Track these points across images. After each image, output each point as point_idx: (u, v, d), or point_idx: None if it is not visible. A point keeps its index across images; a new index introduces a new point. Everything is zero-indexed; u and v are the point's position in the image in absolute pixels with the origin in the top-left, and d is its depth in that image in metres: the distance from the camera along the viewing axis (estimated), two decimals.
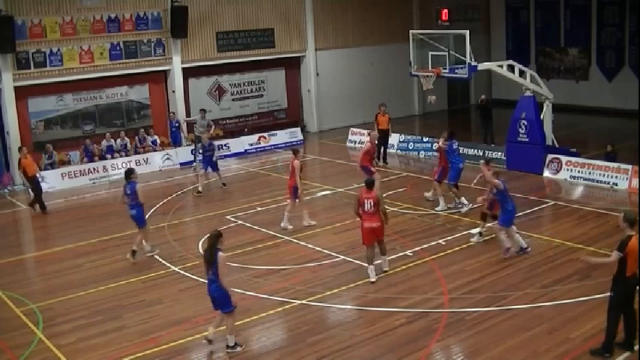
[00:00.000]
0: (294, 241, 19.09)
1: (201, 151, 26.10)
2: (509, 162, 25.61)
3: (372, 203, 15.77)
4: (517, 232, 17.17)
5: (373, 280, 15.92)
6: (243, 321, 14.13)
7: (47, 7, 28.15)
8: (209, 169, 25.47)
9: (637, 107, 25.98)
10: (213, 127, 29.90)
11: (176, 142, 31.11)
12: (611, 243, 15.04)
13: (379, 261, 16.27)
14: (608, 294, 11.99)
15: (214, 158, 25.45)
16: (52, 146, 28.07)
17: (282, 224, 20.14)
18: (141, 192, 18.41)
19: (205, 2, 32.47)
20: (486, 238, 18.23)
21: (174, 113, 31.29)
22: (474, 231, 18.58)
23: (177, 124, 31.08)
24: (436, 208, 21.12)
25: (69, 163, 28.57)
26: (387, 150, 28.71)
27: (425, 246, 17.95)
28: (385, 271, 16.45)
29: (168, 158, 29.67)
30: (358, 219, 16.12)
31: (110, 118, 30.71)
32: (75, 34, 28.81)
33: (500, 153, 26.18)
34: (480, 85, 39.04)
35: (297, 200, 20.10)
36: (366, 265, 16.18)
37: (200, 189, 24.95)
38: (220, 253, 12.60)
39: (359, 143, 30.82)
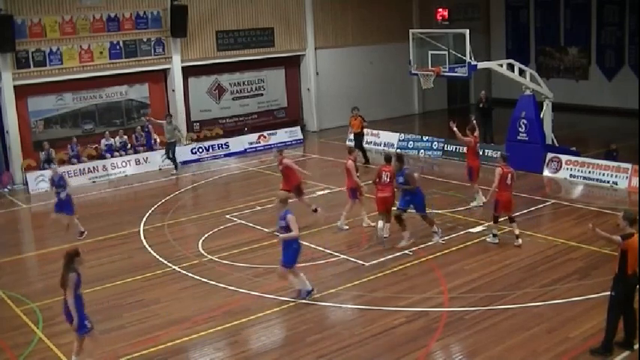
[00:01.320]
0: None
1: (52, 187, 20.63)
2: (508, 161, 25.50)
3: (389, 175, 17.81)
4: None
5: (384, 234, 17.91)
6: (242, 320, 14.16)
7: (47, 6, 28.15)
8: (63, 211, 20.27)
9: (637, 106, 25.96)
10: (181, 132, 29.79)
11: (147, 145, 30.62)
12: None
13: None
14: (608, 293, 12.00)
15: (63, 195, 20.07)
16: (48, 144, 28.07)
17: (338, 223, 19.86)
18: None
19: (205, 1, 32.47)
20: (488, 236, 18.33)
21: (145, 116, 30.90)
22: (475, 230, 18.65)
23: (147, 128, 30.67)
24: (472, 204, 21.18)
25: (69, 163, 28.51)
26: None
27: (424, 245, 17.94)
28: (385, 238, 17.95)
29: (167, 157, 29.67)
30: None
31: (110, 118, 30.72)
32: (74, 34, 28.81)
33: (499, 152, 26.11)
34: (479, 84, 38.97)
35: (357, 200, 19.76)
36: (361, 262, 16.85)
37: (82, 229, 20.57)
38: (70, 275, 11.72)
39: None
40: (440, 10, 36.76)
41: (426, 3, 39.11)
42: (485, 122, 29.72)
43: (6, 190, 27.10)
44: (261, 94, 35.65)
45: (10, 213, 24.65)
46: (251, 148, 32.43)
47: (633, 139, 25.09)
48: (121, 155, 29.16)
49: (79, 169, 27.89)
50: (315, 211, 20.34)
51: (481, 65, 24.92)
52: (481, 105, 30.40)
